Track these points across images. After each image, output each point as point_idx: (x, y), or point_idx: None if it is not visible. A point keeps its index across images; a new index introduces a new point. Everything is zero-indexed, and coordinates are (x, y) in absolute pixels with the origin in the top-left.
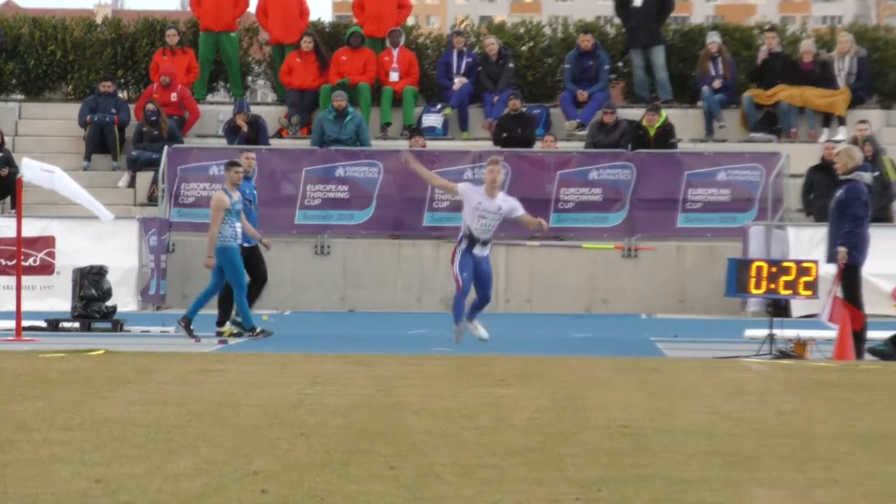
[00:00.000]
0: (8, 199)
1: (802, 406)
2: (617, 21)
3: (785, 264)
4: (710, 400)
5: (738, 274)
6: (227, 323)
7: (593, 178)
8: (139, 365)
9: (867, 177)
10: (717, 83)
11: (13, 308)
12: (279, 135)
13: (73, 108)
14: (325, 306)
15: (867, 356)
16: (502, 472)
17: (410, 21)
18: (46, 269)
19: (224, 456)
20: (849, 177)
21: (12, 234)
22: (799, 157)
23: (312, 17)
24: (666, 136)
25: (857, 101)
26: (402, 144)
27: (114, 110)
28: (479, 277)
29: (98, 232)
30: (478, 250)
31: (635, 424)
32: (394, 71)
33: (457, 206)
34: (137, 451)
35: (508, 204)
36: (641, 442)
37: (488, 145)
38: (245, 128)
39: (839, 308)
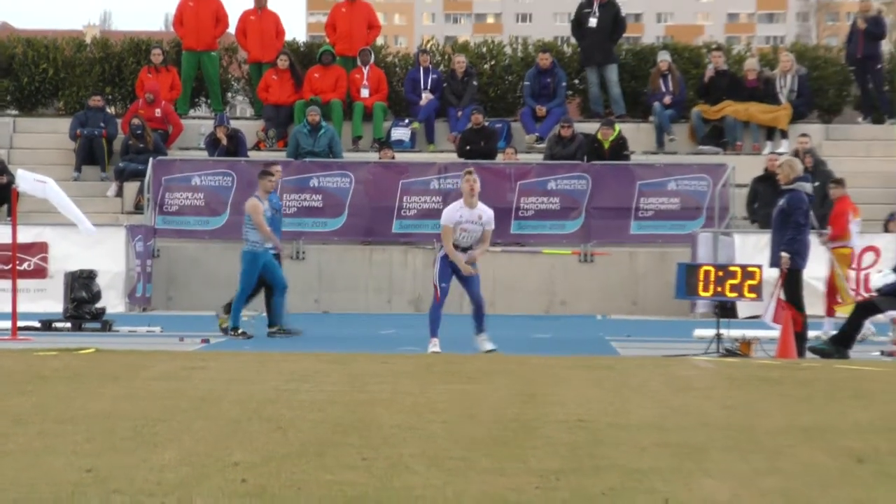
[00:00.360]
0: (4, 208)
1: (747, 401)
2: (573, 41)
3: (731, 268)
4: (661, 395)
5: (688, 278)
6: (275, 325)
7: (551, 188)
8: (127, 363)
9: (808, 187)
10: (667, 99)
11: (9, 309)
12: (257, 147)
13: (64, 123)
14: (301, 308)
15: (808, 354)
16: (468, 463)
17: (379, 41)
18: (40, 273)
19: (206, 448)
20: (791, 187)
21: (7, 240)
22: (744, 168)
23: (288, 37)
24: (619, 148)
25: (798, 116)
26: (373, 156)
27: (102, 124)
28: (464, 277)
29: (88, 238)
30: (458, 262)
31: (591, 419)
32: (364, 87)
33: (424, 215)
34: (125, 444)
35: (487, 215)
36: (597, 435)
37: (453, 157)
38: (225, 141)
39: (782, 309)
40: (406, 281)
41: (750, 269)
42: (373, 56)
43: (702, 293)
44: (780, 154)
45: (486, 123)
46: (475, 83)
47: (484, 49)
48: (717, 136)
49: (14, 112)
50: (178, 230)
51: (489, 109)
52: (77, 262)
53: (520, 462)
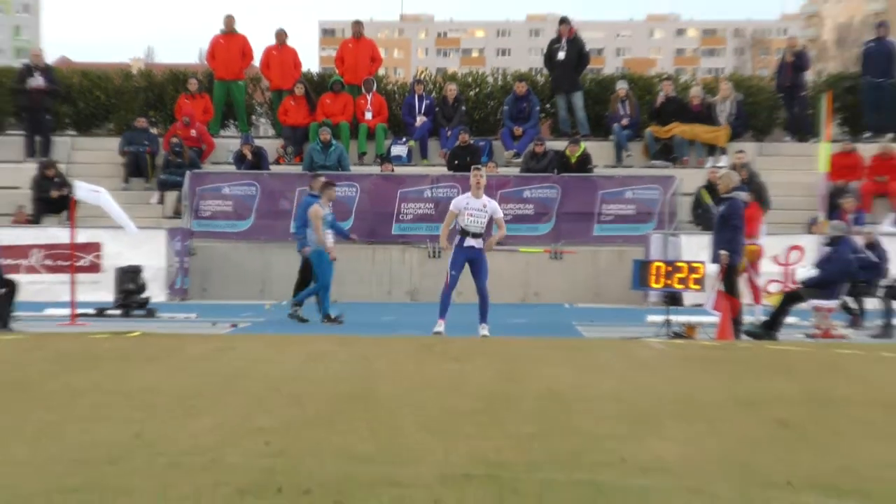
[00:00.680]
0: (64, 214)
1: (692, 376)
2: (545, 72)
3: (678, 264)
4: (619, 372)
5: (642, 272)
6: (299, 307)
7: (527, 196)
8: (168, 344)
9: (744, 195)
10: (624, 121)
11: (69, 299)
12: (277, 162)
13: (114, 141)
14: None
15: (743, 337)
16: (456, 428)
17: (381, 72)
18: (94, 268)
19: (235, 416)
20: (729, 195)
21: (67, 240)
22: (689, 179)
23: (303, 69)
24: (584, 163)
25: (735, 136)
26: (375, 170)
27: (146, 143)
28: (474, 267)
29: (135, 239)
30: (470, 241)
31: (560, 391)
32: (368, 111)
33: (419, 219)
34: (167, 413)
35: (492, 204)
36: (565, 405)
37: (443, 170)
38: (250, 156)
39: (721, 299)
40: (404, 275)
41: (694, 264)
42: (375, 85)
43: (653, 285)
44: (720, 168)
45: (472, 142)
46: (462, 108)
47: (469, 79)
48: (667, 152)
49: (72, 132)
50: (211, 232)
51: (474, 130)
52: (125, 259)
53: (499, 427)
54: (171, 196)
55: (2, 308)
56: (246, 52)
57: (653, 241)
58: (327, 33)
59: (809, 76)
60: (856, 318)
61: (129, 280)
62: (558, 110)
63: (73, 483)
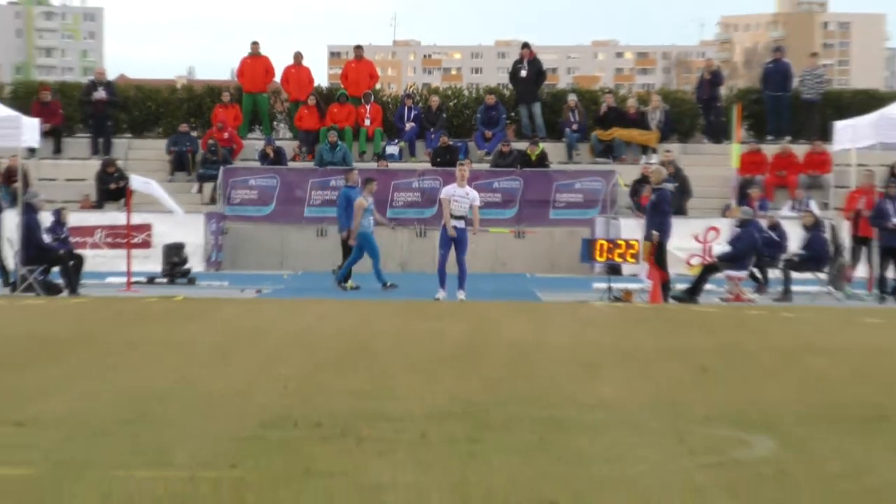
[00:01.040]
0: (122, 201)
1: (631, 333)
2: (510, 86)
3: (618, 242)
4: (571, 328)
5: (588, 248)
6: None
7: (496, 187)
8: (205, 306)
9: (670, 186)
10: (574, 126)
11: (125, 269)
12: (293, 159)
13: (162, 143)
14: (324, 269)
15: (671, 301)
16: (438, 373)
17: (377, 87)
18: (146, 245)
19: (259, 364)
20: (659, 186)
21: (123, 222)
22: (627, 173)
23: (315, 84)
24: (542, 160)
25: (663, 138)
26: (373, 165)
27: (188, 144)
28: (456, 243)
29: (179, 221)
30: (455, 222)
31: (522, 343)
32: (367, 118)
33: (408, 205)
34: (204, 361)
35: (473, 192)
36: (528, 356)
37: (428, 166)
38: (272, 154)
39: (653, 270)
40: (396, 250)
41: (631, 242)
42: (373, 97)
43: (598, 258)
44: (652, 164)
45: (451, 143)
46: (443, 115)
47: (449, 92)
48: (609, 152)
49: (128, 135)
50: (240, 216)
51: (453, 133)
52: (171, 237)
53: (473, 372)
54: (208, 187)
55: (72, 277)
56: (268, 71)
57: (597, 223)
58: (334, 55)
59: (723, 90)
60: (761, 285)
61: (174, 254)
62: (521, 118)
63: (128, 416)
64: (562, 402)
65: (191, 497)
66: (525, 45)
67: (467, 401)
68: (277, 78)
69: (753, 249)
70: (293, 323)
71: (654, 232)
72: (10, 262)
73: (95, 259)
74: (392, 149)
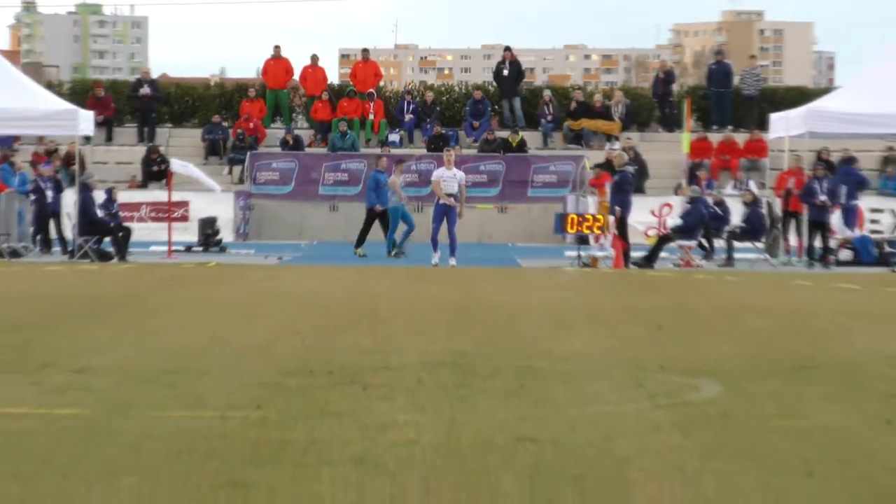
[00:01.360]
0: (163, 181)
1: (597, 295)
2: (494, 84)
3: (586, 216)
4: (546, 290)
5: (561, 221)
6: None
7: (482, 169)
8: (234, 272)
9: (631, 169)
10: (549, 118)
11: (166, 239)
12: (309, 146)
13: (198, 132)
14: (336, 239)
15: (631, 266)
16: (432, 330)
17: (381, 84)
18: (184, 218)
19: (281, 322)
20: (621, 169)
21: (165, 199)
22: (594, 158)
23: (328, 82)
24: (521, 146)
25: (624, 128)
26: (377, 150)
27: (220, 133)
28: (447, 217)
29: (212, 199)
30: (444, 199)
31: (505, 304)
32: (372, 112)
33: (408, 185)
34: (232, 320)
35: (459, 174)
36: (508, 314)
37: (424, 151)
38: (291, 142)
39: (616, 240)
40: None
41: (597, 216)
42: (377, 93)
43: (569, 230)
44: (615, 150)
45: (444, 132)
46: (438, 108)
47: (442, 88)
48: (578, 139)
49: (169, 125)
50: (264, 194)
51: (445, 123)
52: (205, 212)
53: (462, 330)
54: (237, 169)
55: (121, 246)
56: (288, 70)
57: (569, 200)
58: (344, 57)
59: (675, 87)
60: (708, 253)
61: (208, 227)
62: (503, 110)
63: (168, 367)
64: (538, 354)
65: (221, 432)
66: (507, 49)
67: (457, 353)
68: (296, 76)
69: (701, 222)
70: (309, 286)
71: (618, 208)
72: (69, 233)
73: (141, 231)
74: (393, 137)
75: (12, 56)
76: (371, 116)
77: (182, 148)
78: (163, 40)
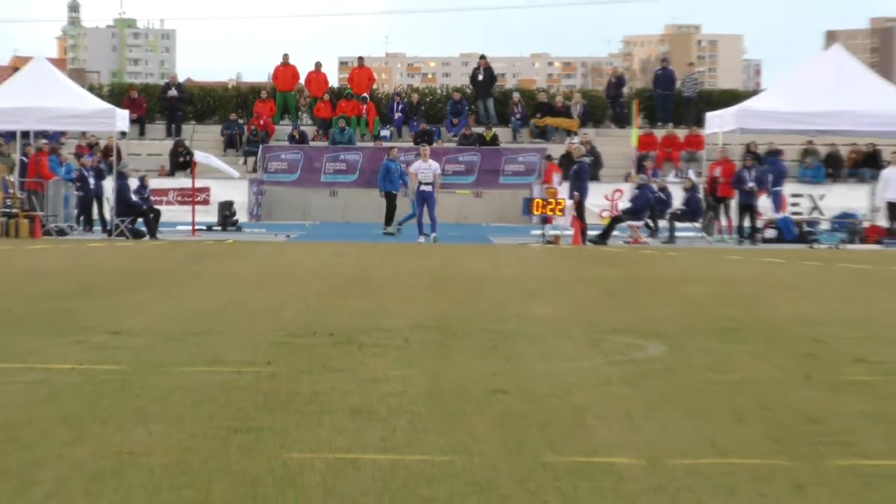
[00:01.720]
0: (188, 170)
1: (558, 267)
2: (471, 87)
3: (549, 200)
4: (515, 264)
5: (528, 205)
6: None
7: (460, 160)
8: (248, 248)
9: (587, 160)
10: (518, 116)
11: (190, 220)
12: (313, 140)
13: (217, 128)
14: (335, 220)
15: (588, 243)
16: (417, 297)
17: (374, 87)
18: (206, 202)
19: (289, 289)
20: (579, 160)
21: (189, 186)
22: (556, 150)
23: (329, 85)
24: (494, 140)
25: (582, 125)
26: (370, 144)
27: (236, 129)
28: (427, 203)
29: (230, 185)
30: (424, 187)
31: (479, 276)
32: (366, 111)
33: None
34: (247, 287)
35: (434, 164)
36: (482, 283)
37: (411, 144)
38: (297, 136)
39: (574, 221)
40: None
41: (559, 200)
42: (370, 95)
43: (535, 212)
44: (574, 143)
45: (428, 128)
46: (422, 108)
47: (426, 91)
48: (543, 134)
49: (193, 122)
50: (274, 181)
51: (429, 121)
52: (224, 196)
53: (442, 296)
54: (251, 160)
55: (151, 226)
56: (295, 75)
57: (534, 186)
58: (342, 63)
59: (625, 90)
60: (653, 232)
61: (226, 209)
62: (479, 110)
63: (192, 329)
64: (508, 317)
65: (237, 385)
66: (482, 57)
67: (439, 316)
68: (302, 80)
69: (647, 206)
70: (313, 259)
71: (576, 193)
72: (108, 214)
73: (168, 213)
74: (385, 132)
75: (59, 63)
76: (365, 115)
77: (204, 142)
78: (188, 50)
